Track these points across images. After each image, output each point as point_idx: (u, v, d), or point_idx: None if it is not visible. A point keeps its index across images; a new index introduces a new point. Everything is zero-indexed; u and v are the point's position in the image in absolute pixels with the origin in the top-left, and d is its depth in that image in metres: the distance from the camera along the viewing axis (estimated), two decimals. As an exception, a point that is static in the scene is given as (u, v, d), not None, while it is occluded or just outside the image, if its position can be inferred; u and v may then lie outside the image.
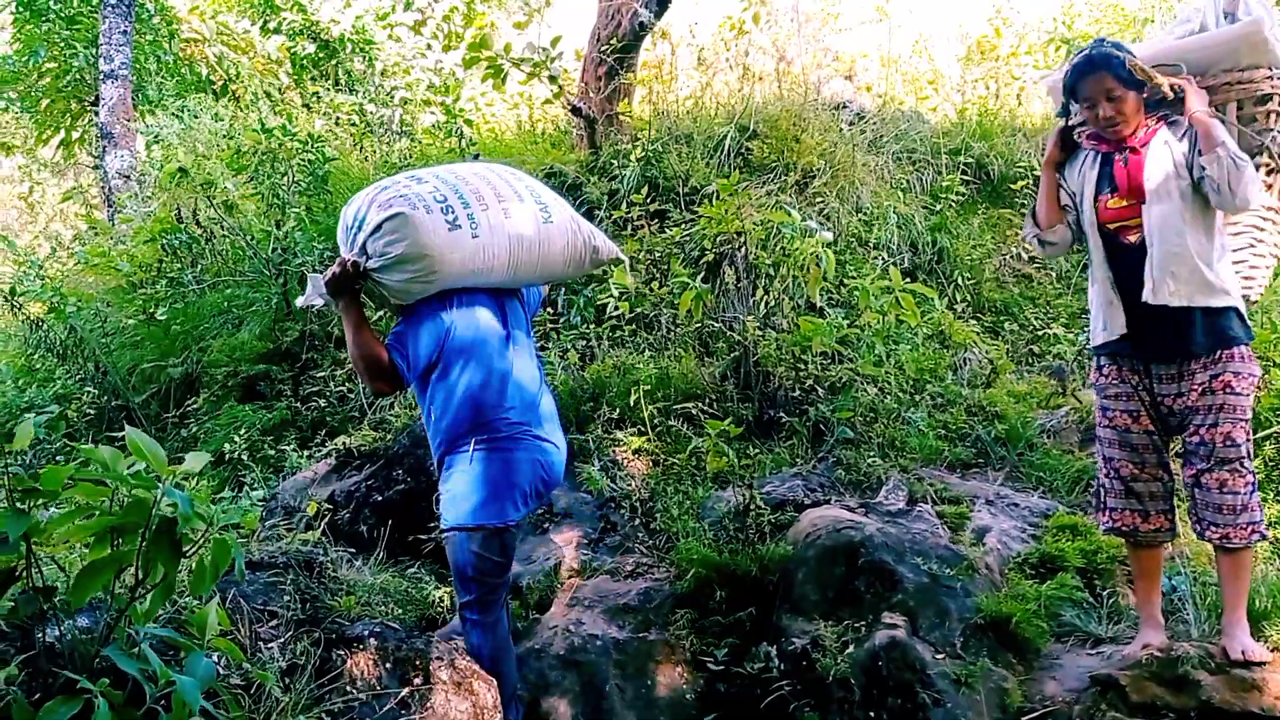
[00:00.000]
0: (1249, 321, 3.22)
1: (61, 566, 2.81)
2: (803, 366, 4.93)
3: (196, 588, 2.56)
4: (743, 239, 5.32)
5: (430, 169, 3.67)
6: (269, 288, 6.63)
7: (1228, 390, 3.13)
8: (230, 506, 2.64)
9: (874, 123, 7.82)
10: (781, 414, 4.87)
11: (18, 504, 2.54)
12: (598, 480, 4.49)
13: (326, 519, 4.30)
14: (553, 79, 6.82)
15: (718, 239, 5.55)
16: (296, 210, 6.86)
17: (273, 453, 5.90)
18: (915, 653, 3.47)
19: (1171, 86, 3.21)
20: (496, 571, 3.34)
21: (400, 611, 3.54)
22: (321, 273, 3.48)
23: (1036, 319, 6.52)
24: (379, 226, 3.32)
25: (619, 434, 4.80)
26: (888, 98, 8.46)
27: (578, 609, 3.98)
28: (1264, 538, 3.17)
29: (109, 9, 8.45)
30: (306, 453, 5.83)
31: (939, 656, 3.50)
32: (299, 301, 3.78)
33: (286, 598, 3.22)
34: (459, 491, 3.31)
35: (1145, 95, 3.25)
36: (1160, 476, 3.31)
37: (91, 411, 6.54)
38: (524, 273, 3.52)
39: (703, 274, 5.66)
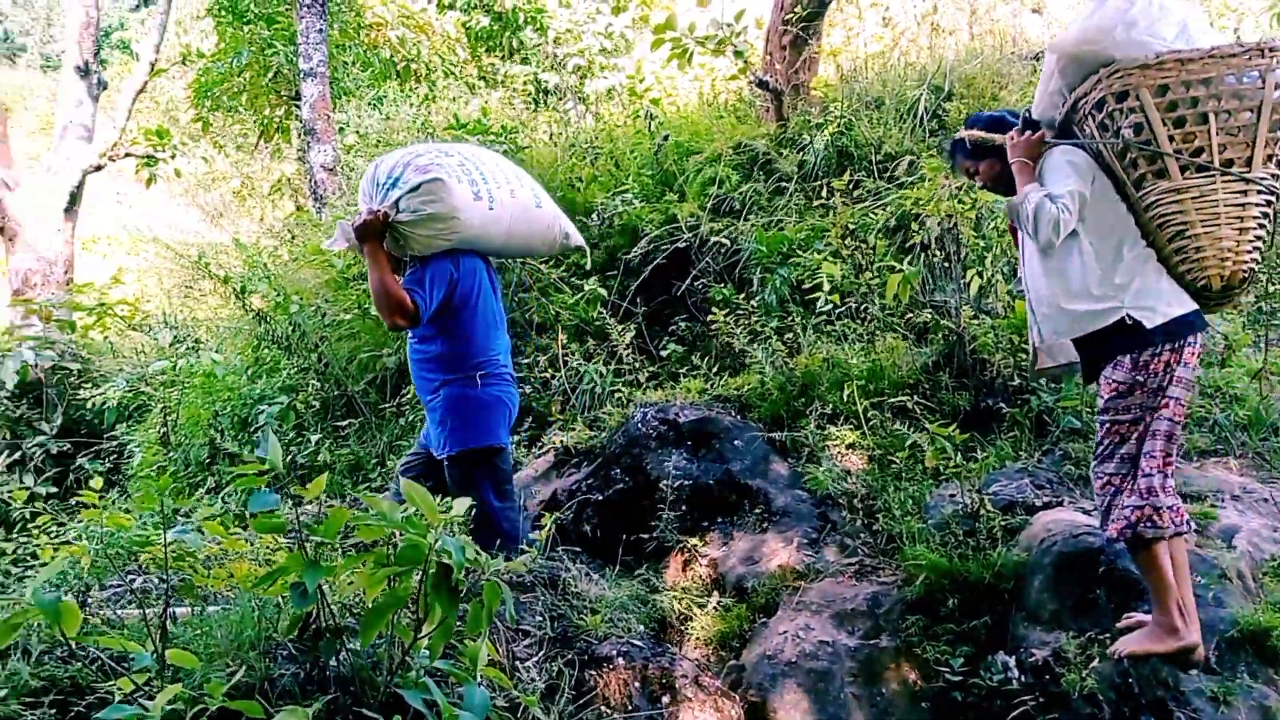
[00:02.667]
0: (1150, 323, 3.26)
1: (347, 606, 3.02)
2: (1023, 353, 4.77)
3: (472, 627, 2.70)
4: (953, 220, 5.16)
5: (453, 145, 4.36)
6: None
7: (1106, 392, 3.36)
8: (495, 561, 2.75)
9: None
10: (1001, 404, 4.74)
11: (310, 553, 2.72)
12: (821, 480, 4.49)
13: (551, 518, 4.44)
14: (738, 54, 6.74)
15: (921, 219, 5.41)
16: (494, 201, 7.04)
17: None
18: (1168, 668, 3.36)
19: (1001, 143, 3.57)
20: (509, 478, 4.07)
21: (641, 626, 3.65)
22: (350, 220, 4.03)
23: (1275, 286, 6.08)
24: (417, 187, 3.89)
25: (832, 429, 4.77)
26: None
27: (805, 613, 4.01)
28: (1126, 535, 3.28)
29: (304, 9, 8.80)
30: (515, 438, 6.05)
31: (1193, 672, 3.38)
32: (325, 244, 4.44)
33: (538, 617, 3.37)
34: (457, 419, 4.00)
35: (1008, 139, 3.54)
36: None
37: (316, 402, 6.94)
38: (513, 245, 4.23)
39: (907, 256, 5.53)
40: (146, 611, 3.16)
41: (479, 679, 2.77)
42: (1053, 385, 4.70)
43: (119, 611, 3.39)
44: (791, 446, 4.80)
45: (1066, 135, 3.48)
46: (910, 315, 5.42)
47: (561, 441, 5.10)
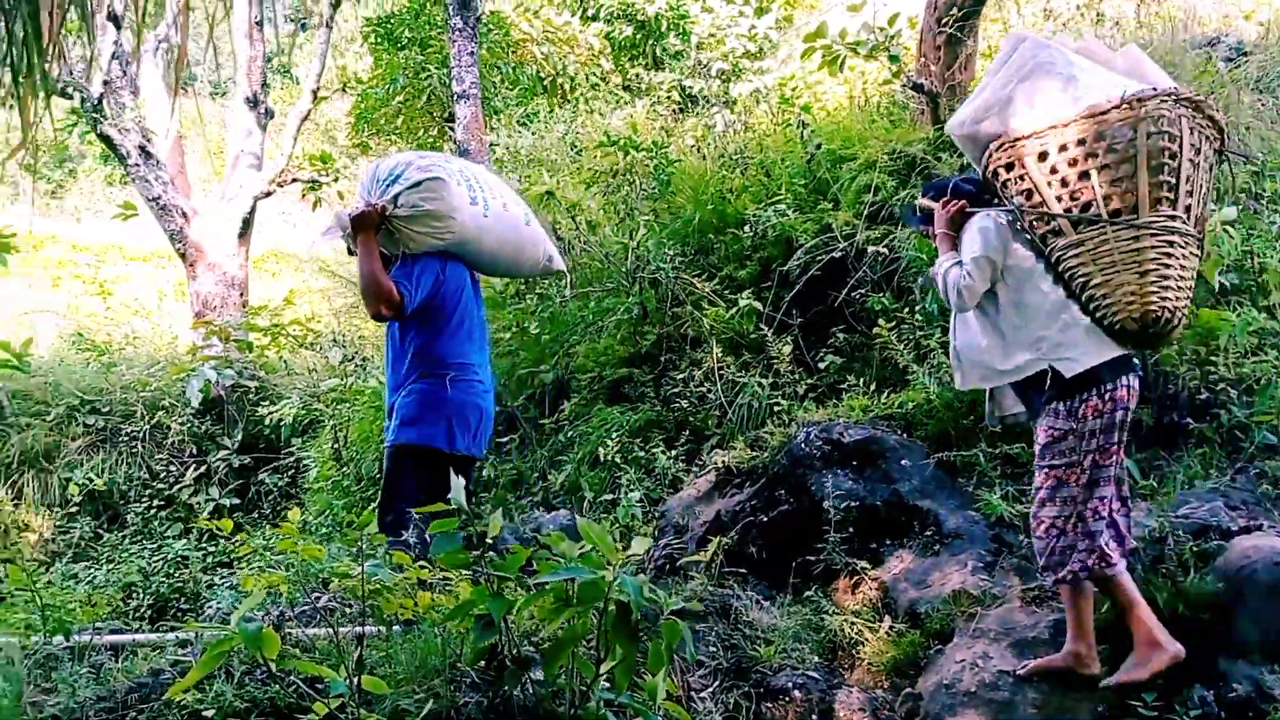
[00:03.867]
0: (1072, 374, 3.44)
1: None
2: (1212, 366, 4.52)
3: (653, 665, 2.73)
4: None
5: (453, 157, 4.70)
6: (626, 295, 6.91)
7: (1042, 439, 3.54)
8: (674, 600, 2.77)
9: (1259, 57, 6.97)
10: (1187, 419, 4.50)
11: (493, 587, 2.79)
12: (996, 505, 4.36)
13: (718, 542, 4.44)
14: (893, 59, 6.60)
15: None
16: (645, 217, 7.09)
17: (642, 454, 6.19)
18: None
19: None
20: (434, 492, 3.48)
21: (815, 656, 3.61)
22: (347, 210, 4.20)
23: None
24: (418, 183, 4.07)
25: (1005, 447, 4.62)
26: (1273, 24, 7.50)
27: (983, 641, 3.89)
28: (1065, 581, 3.47)
29: (456, 32, 9.06)
30: (673, 452, 6.08)
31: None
32: (321, 233, 4.60)
33: (711, 647, 3.38)
34: (411, 414, 4.08)
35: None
36: None
37: (480, 419, 7.12)
38: (501, 258, 4.39)
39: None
40: (338, 635, 3.31)
41: (658, 712, 2.80)
42: (1245, 399, 4.44)
43: (308, 631, 3.54)
44: (961, 466, 4.67)
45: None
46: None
47: (723, 461, 5.09)
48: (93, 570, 7.95)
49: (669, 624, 2.67)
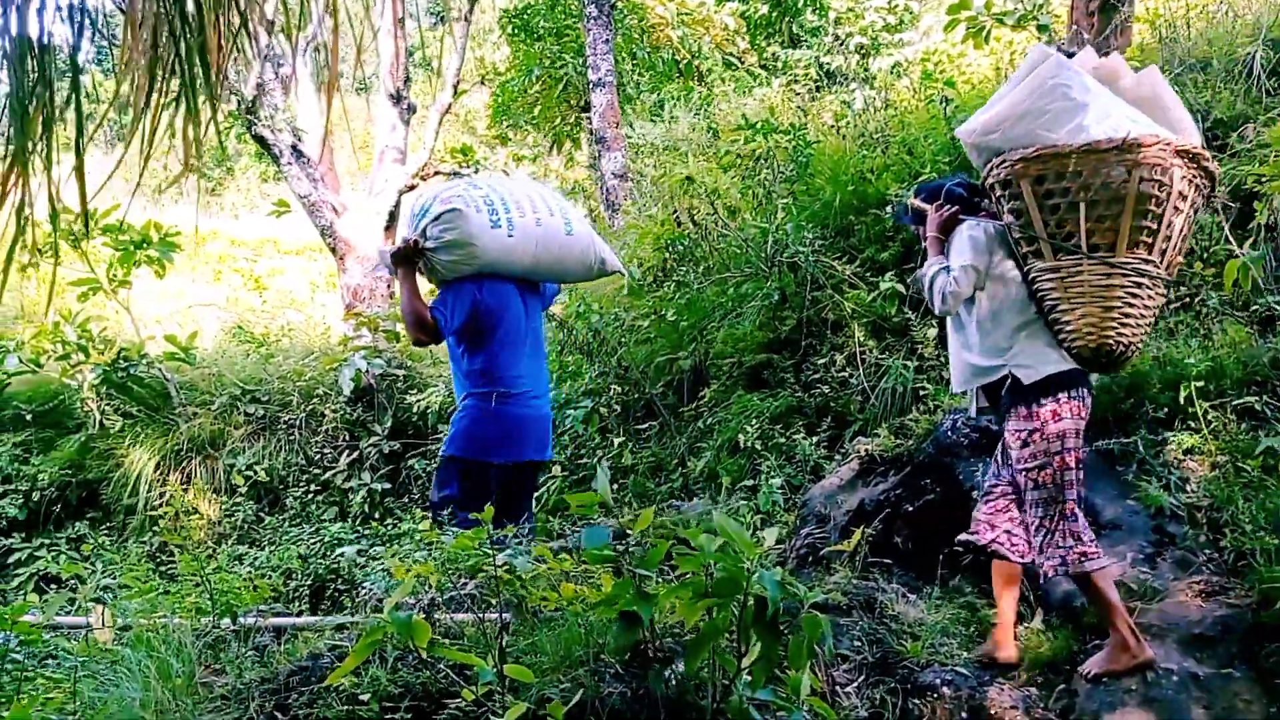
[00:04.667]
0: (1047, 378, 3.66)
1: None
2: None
3: (794, 661, 2.69)
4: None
5: (486, 178, 4.99)
6: (765, 280, 6.84)
7: (1012, 443, 3.75)
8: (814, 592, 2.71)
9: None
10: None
11: (637, 583, 2.79)
12: (1157, 496, 4.14)
13: (862, 532, 4.35)
14: (1042, 28, 6.32)
15: (1263, 196, 4.85)
16: (784, 200, 7.00)
17: (783, 440, 6.12)
18: None
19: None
20: (474, 500, 4.03)
21: (964, 652, 3.50)
22: (389, 249, 4.60)
23: None
24: (438, 216, 4.36)
25: (1167, 434, 4.39)
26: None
27: (1145, 637, 3.71)
28: (1062, 572, 3.62)
29: (591, 21, 9.10)
30: (814, 439, 5.99)
31: None
32: (372, 269, 4.93)
33: (856, 641, 3.31)
34: (462, 427, 4.46)
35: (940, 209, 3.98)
36: None
37: (618, 406, 7.17)
38: (542, 269, 4.57)
39: (1248, 239, 4.99)
40: (484, 623, 3.38)
41: (802, 708, 2.76)
42: None
43: (455, 617, 3.62)
44: (1120, 454, 4.45)
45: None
46: (1253, 305, 4.89)
47: (866, 449, 4.98)
48: (256, 553, 8.34)
49: (810, 618, 2.63)
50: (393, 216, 10.74)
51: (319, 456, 9.54)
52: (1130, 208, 3.50)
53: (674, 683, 2.83)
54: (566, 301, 7.30)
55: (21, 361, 9.26)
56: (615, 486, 6.88)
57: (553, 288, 4.96)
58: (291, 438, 9.41)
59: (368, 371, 9.31)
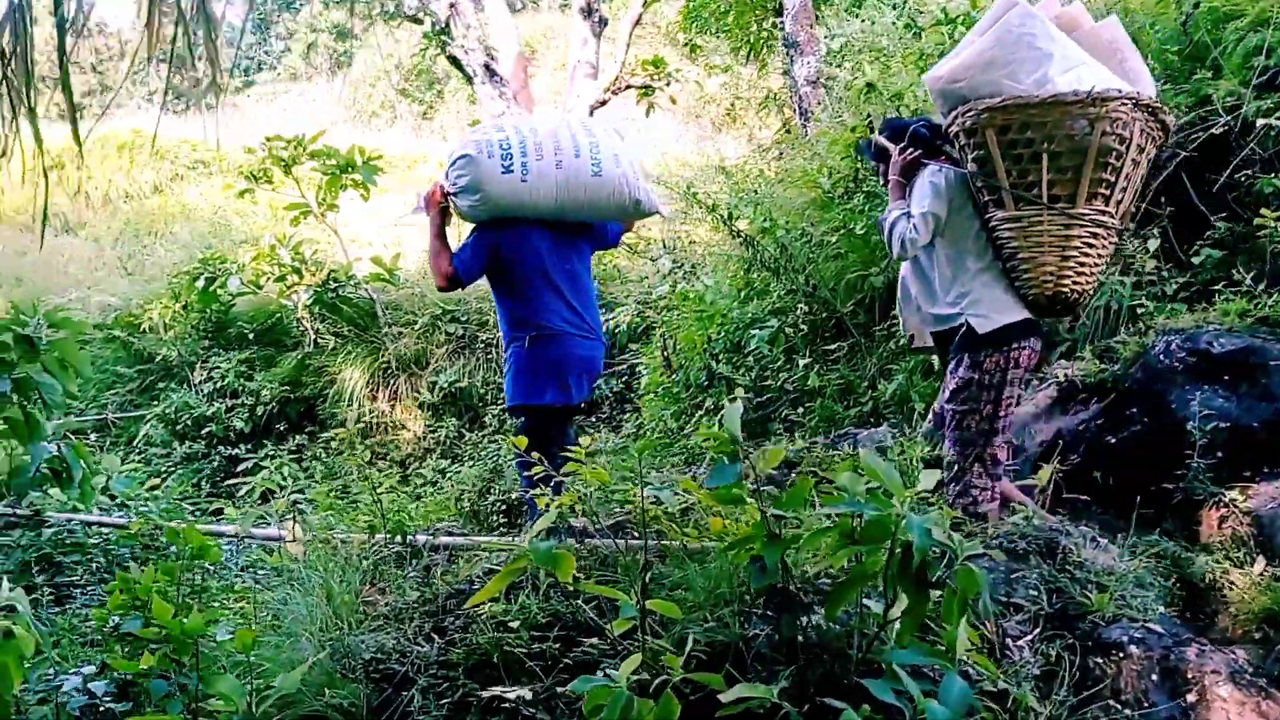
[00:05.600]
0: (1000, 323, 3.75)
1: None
2: None
3: (947, 617, 2.43)
4: None
5: (513, 121, 5.21)
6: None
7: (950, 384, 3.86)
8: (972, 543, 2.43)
9: None
10: None
11: (772, 525, 2.60)
12: None
13: (1054, 469, 3.96)
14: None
15: None
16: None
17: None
18: None
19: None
20: (541, 444, 3.90)
21: (1161, 607, 3.11)
22: (423, 190, 4.70)
23: None
24: (454, 161, 4.47)
25: None
26: None
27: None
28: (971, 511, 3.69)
29: (783, -83, 8.59)
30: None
31: None
32: (409, 211, 5.16)
33: (1032, 590, 3.00)
34: (510, 375, 4.48)
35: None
36: None
37: (804, 325, 6.88)
38: (571, 211, 4.49)
39: None
40: (632, 553, 3.27)
41: (955, 667, 2.49)
42: None
43: (610, 543, 3.53)
44: (1367, 382, 3.85)
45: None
46: None
47: (1066, 374, 4.53)
48: (457, 468, 8.62)
49: (964, 571, 2.35)
50: (586, 132, 10.66)
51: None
52: (1092, 160, 3.55)
53: (814, 630, 2.63)
54: (751, 216, 7.01)
55: (243, 283, 9.85)
56: (800, 410, 6.63)
57: (615, 227, 4.91)
58: (489, 356, 9.62)
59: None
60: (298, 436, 9.63)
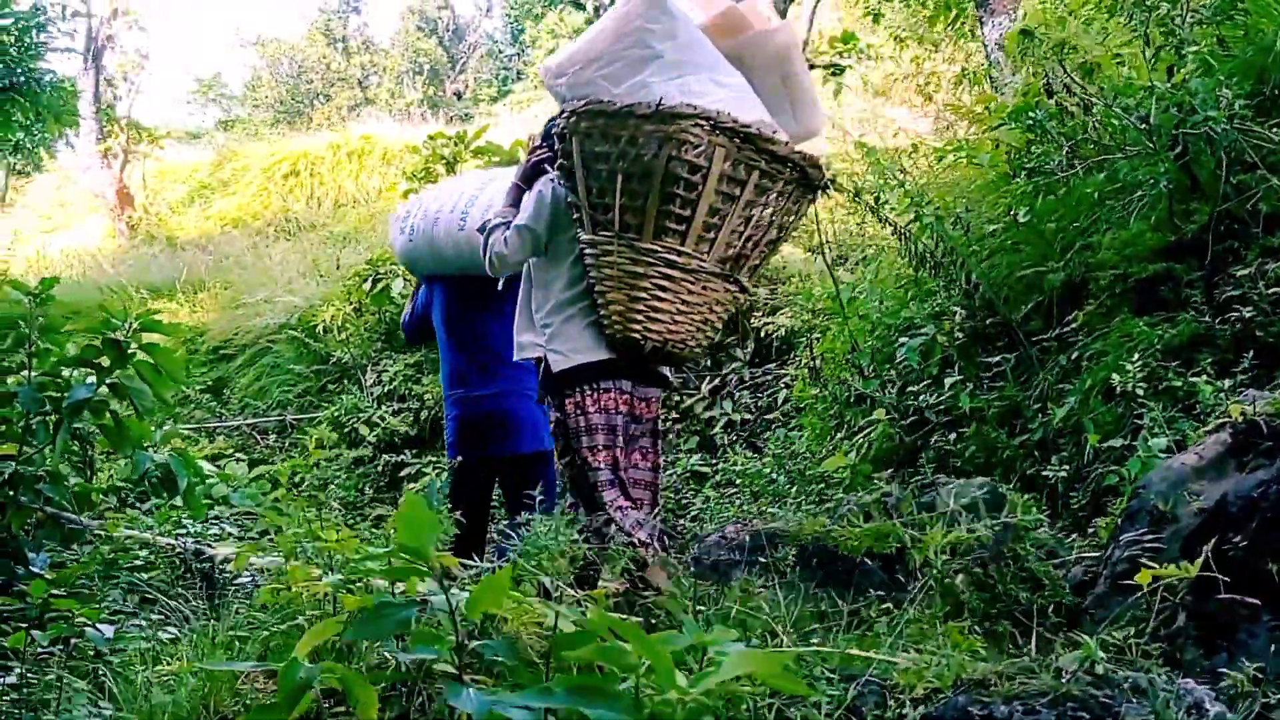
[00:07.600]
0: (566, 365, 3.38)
1: None
2: None
3: None
4: None
5: (457, 177, 6.41)
6: (1159, 161, 4.99)
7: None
8: None
9: None
10: None
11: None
12: None
13: (1212, 544, 2.76)
14: None
15: None
16: (1196, 50, 5.03)
17: (1179, 383, 4.44)
18: None
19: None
20: (463, 496, 4.24)
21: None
22: None
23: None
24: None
25: None
26: None
27: None
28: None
29: None
30: (1225, 383, 4.22)
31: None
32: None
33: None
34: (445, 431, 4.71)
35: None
36: None
37: (960, 335, 5.72)
38: (449, 264, 4.43)
39: None
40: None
41: None
42: None
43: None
44: None
45: None
46: None
47: (1244, 412, 3.19)
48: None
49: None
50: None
51: (679, 383, 9.03)
52: (656, 189, 3.15)
53: None
54: (896, 207, 5.89)
55: (407, 284, 9.68)
56: (953, 437, 5.47)
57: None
58: (652, 361, 8.94)
59: (729, 293, 8.56)
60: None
